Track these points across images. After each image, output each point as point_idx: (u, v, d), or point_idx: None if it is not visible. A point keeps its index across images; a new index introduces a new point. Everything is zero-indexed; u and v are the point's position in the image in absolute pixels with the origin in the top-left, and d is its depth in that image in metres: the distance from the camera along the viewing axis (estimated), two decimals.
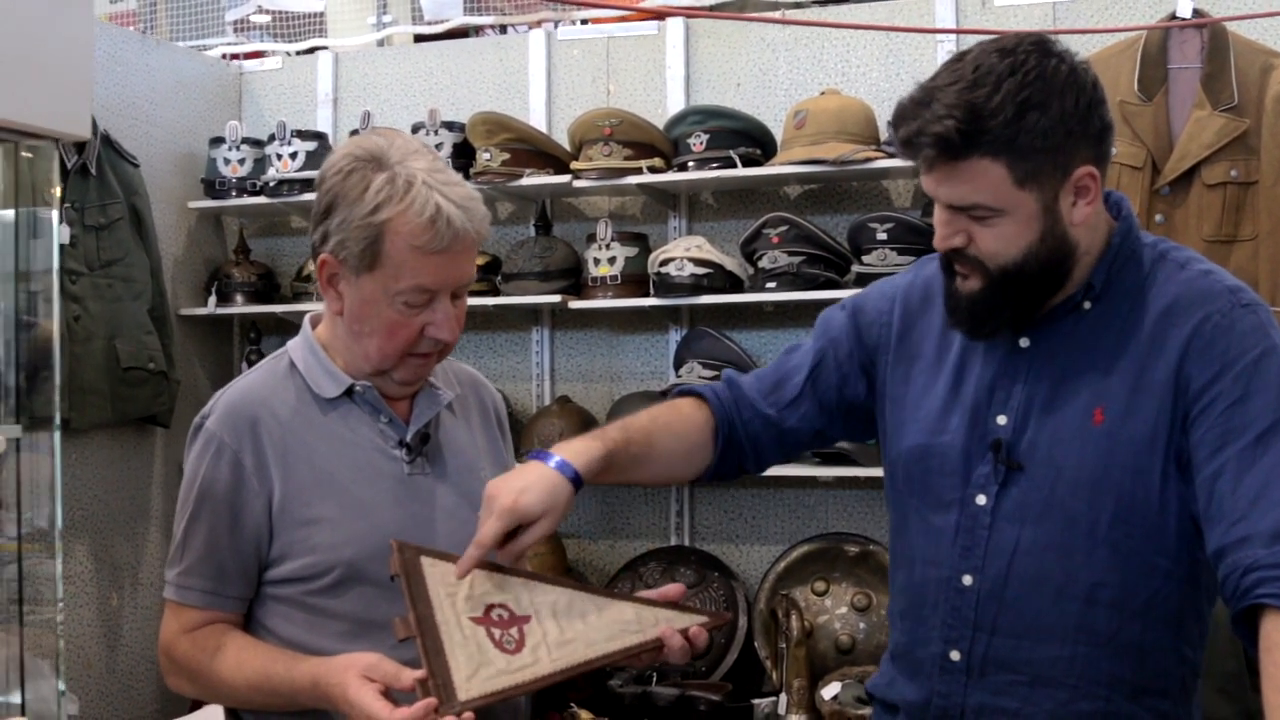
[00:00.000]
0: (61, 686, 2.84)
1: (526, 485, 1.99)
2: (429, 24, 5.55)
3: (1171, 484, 1.96)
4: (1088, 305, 2.04)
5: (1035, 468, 2.02)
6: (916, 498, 2.17)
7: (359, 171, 2.10)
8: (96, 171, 4.27)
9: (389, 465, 2.20)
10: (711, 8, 4.85)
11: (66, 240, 4.09)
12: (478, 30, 5.56)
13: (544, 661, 2.01)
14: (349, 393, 2.21)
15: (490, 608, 2.02)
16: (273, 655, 2.12)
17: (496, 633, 2.00)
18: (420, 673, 1.92)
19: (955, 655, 2.07)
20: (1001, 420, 2.05)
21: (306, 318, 2.32)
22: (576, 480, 2.04)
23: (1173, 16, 3.94)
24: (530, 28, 4.89)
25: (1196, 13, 3.91)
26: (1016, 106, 1.89)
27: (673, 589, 2.20)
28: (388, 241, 2.07)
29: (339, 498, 2.15)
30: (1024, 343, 2.07)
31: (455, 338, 2.18)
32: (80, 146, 4.17)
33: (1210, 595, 2.04)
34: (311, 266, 4.57)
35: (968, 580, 2.06)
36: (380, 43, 5.54)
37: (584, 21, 4.94)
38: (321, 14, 5.78)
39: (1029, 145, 1.90)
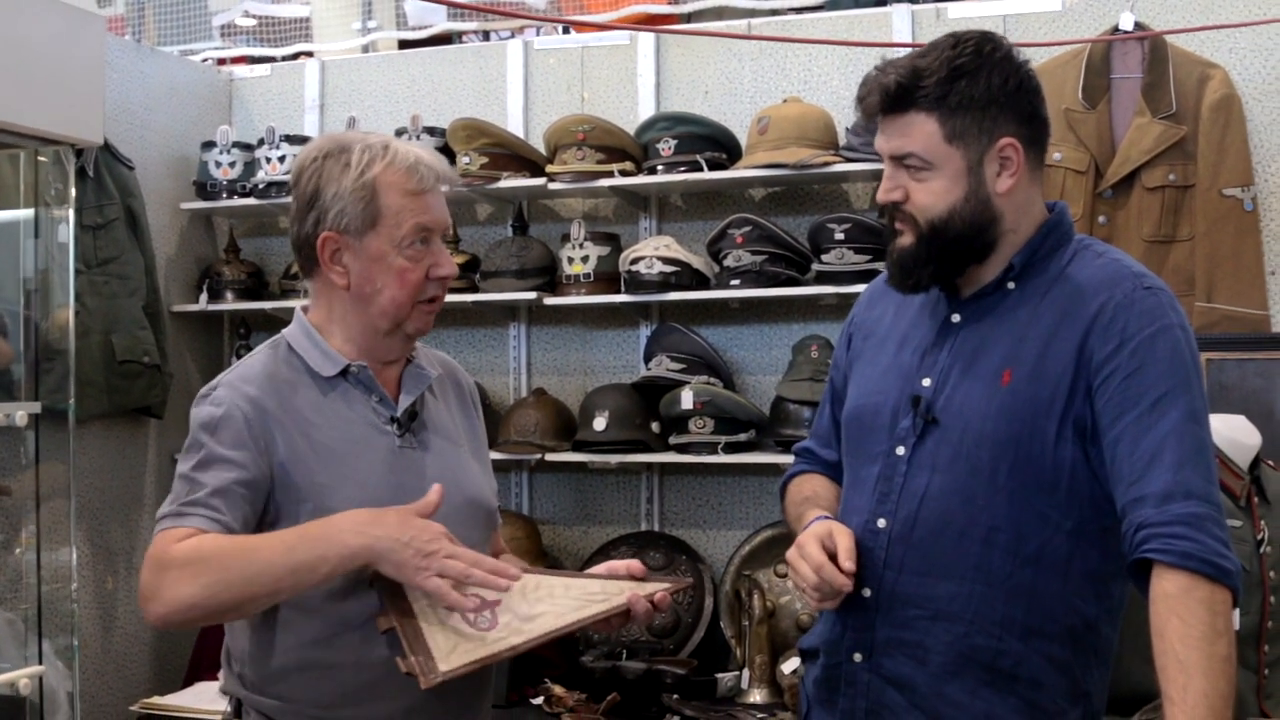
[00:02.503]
0: (75, 642, 3.02)
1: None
2: (413, 30, 5.69)
3: (1066, 445, 2.18)
4: (1011, 285, 2.28)
5: (948, 421, 2.24)
6: (853, 455, 2.40)
7: (333, 156, 2.34)
8: (94, 174, 4.39)
9: (381, 439, 2.37)
10: (690, 15, 5.03)
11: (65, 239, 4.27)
12: (460, 36, 5.72)
13: (517, 634, 2.20)
14: (344, 373, 2.38)
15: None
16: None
17: (470, 616, 2.19)
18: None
19: (867, 592, 2.27)
20: (926, 382, 2.29)
21: (298, 307, 2.49)
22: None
23: (1115, 30, 4.12)
24: (514, 34, 5.04)
25: (1138, 26, 4.11)
26: (949, 71, 2.19)
27: (634, 564, 2.40)
28: (382, 195, 2.31)
29: (336, 467, 2.30)
30: (955, 318, 2.31)
31: (454, 273, 2.41)
32: (79, 150, 4.31)
33: (1113, 558, 2.21)
34: None
35: (881, 523, 2.28)
36: (365, 48, 5.65)
37: (566, 30, 5.10)
38: (307, 20, 5.90)
39: (957, 104, 2.19)
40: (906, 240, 2.26)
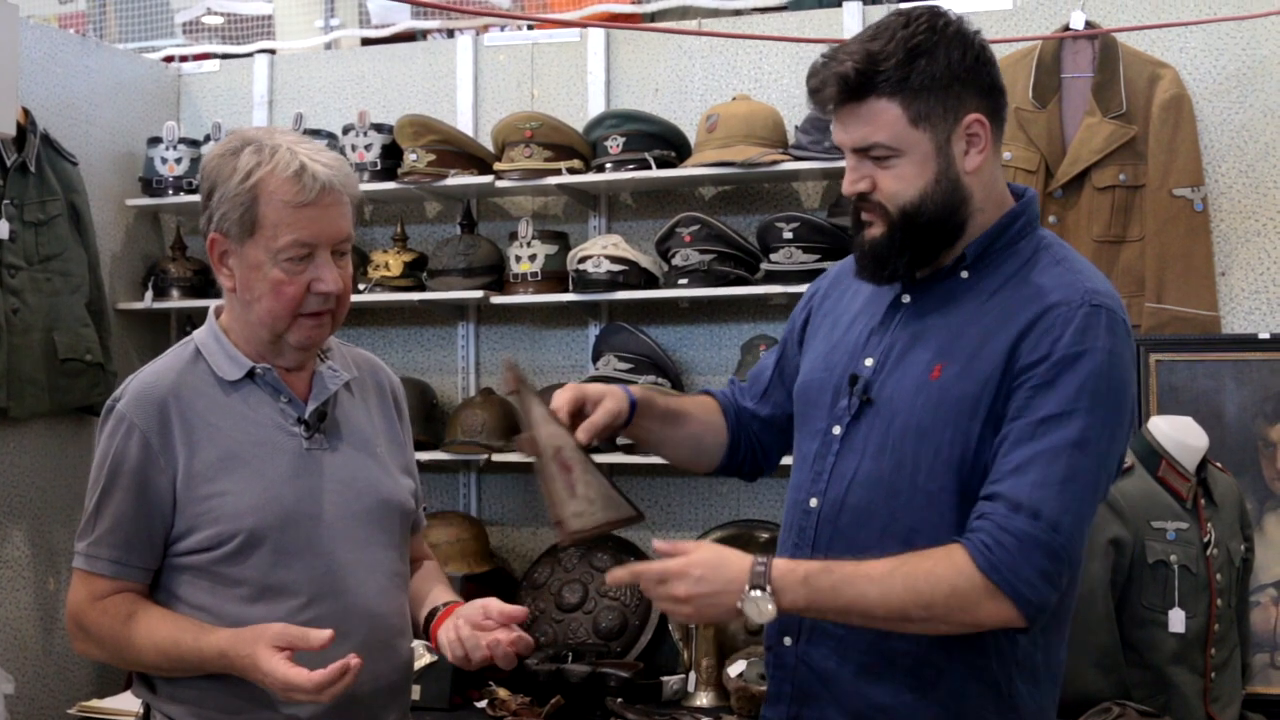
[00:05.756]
0: None
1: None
2: (376, 28, 5.64)
3: (987, 446, 2.11)
4: (965, 274, 2.21)
5: (881, 406, 2.19)
6: (799, 431, 2.36)
7: (230, 154, 2.28)
8: (36, 169, 4.34)
9: (288, 441, 2.34)
10: (653, 15, 4.99)
11: (6, 235, 4.21)
12: (424, 35, 5.67)
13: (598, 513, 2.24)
14: (250, 375, 2.35)
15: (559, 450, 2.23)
16: (181, 625, 2.25)
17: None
18: (327, 634, 2.13)
19: None
20: (869, 362, 2.24)
21: (211, 307, 2.46)
22: (630, 396, 2.37)
23: (1066, 28, 4.12)
24: (479, 32, 5.00)
25: (1088, 25, 4.10)
26: (906, 52, 2.10)
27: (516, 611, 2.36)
28: (262, 203, 2.24)
29: (241, 472, 2.28)
30: (905, 299, 2.25)
31: (340, 290, 2.32)
32: (20, 145, 4.27)
33: None
34: None
35: (813, 503, 2.24)
36: (328, 46, 5.60)
37: (530, 27, 5.06)
38: (269, 17, 5.86)
39: (919, 85, 2.10)
40: (877, 231, 2.20)
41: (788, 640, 2.27)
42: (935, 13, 2.15)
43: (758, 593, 2.02)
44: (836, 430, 2.24)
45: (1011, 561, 2.00)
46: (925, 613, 2.02)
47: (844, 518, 2.20)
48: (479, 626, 2.32)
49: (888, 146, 2.14)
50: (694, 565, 2.07)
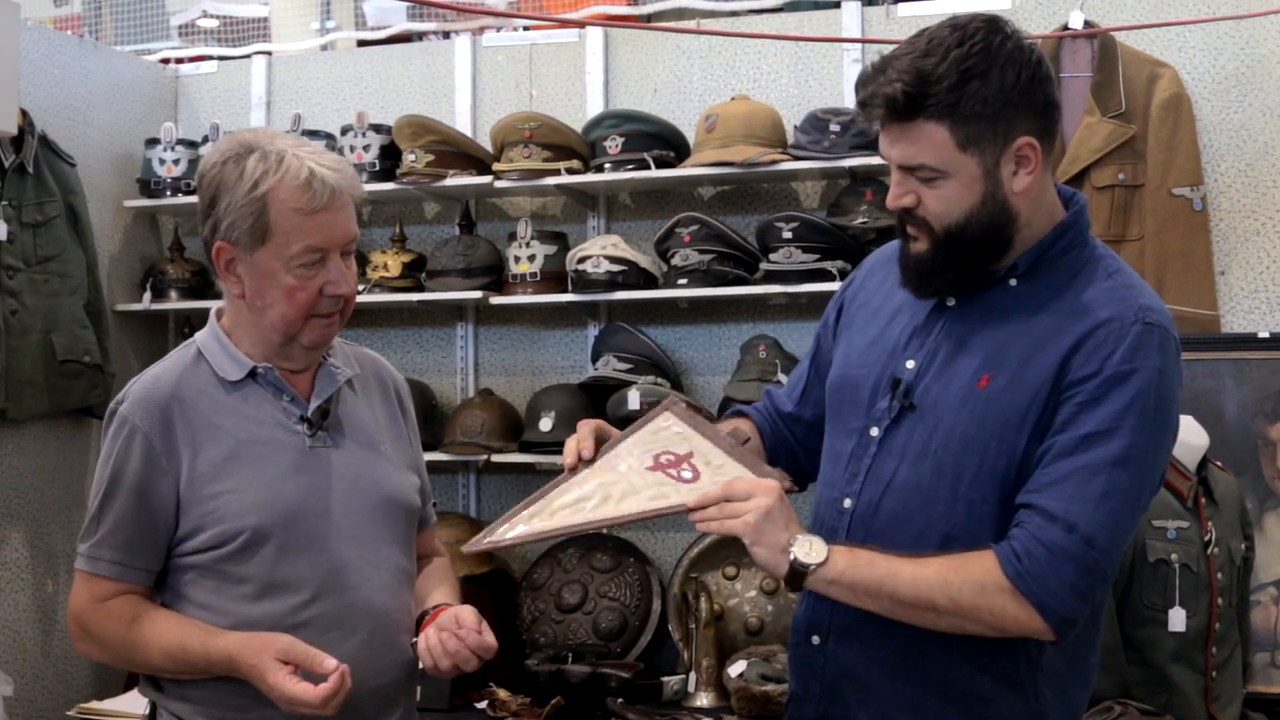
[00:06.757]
0: None
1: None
2: (372, 30, 5.64)
3: (1032, 459, 2.09)
4: (1014, 283, 2.17)
5: (924, 412, 2.17)
6: (832, 426, 2.33)
7: (231, 162, 2.27)
8: (34, 170, 4.34)
9: (291, 439, 2.34)
10: (649, 16, 4.99)
11: (4, 237, 4.21)
12: (420, 36, 5.66)
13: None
14: (252, 375, 2.35)
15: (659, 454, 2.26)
16: (188, 629, 2.25)
17: (674, 472, 2.22)
18: (334, 661, 2.16)
19: None
20: (910, 365, 2.20)
21: (212, 309, 2.46)
22: None
23: (1065, 27, 4.12)
24: (476, 33, 5.00)
25: (1087, 24, 4.10)
26: (960, 74, 2.03)
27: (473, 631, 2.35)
28: (272, 211, 2.23)
29: (244, 471, 2.28)
30: (951, 302, 2.22)
31: (352, 291, 2.34)
32: (18, 146, 4.27)
33: None
34: None
35: (847, 504, 2.22)
36: (324, 48, 5.59)
37: (526, 28, 5.05)
38: (265, 19, 5.86)
39: (970, 111, 2.04)
40: (921, 246, 2.16)
41: (815, 639, 2.27)
42: (992, 28, 2.08)
43: (814, 536, 2.08)
44: (875, 431, 2.22)
45: (1040, 572, 2.00)
46: (952, 605, 2.03)
47: (879, 520, 2.18)
48: (447, 632, 2.32)
49: (934, 169, 2.09)
50: (782, 497, 2.11)
